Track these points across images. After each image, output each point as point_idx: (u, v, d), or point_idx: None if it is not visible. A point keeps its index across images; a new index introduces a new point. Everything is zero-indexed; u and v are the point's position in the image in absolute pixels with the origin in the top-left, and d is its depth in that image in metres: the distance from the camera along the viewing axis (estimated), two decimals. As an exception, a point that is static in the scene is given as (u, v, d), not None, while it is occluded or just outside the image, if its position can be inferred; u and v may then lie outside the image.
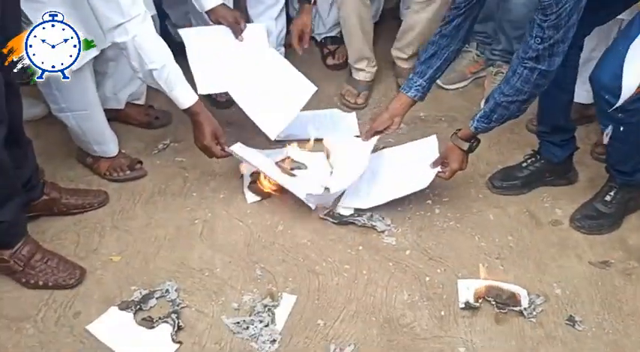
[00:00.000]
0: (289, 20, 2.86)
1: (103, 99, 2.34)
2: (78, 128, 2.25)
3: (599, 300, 1.93)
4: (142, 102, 2.62)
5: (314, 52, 3.04)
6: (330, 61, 3.00)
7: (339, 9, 2.69)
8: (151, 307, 1.89)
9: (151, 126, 2.61)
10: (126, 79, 2.46)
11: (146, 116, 2.61)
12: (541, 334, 1.83)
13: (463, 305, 1.90)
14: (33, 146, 2.06)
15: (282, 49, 2.87)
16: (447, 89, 2.81)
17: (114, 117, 2.49)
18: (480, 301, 1.90)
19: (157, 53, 1.92)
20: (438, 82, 2.52)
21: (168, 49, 1.97)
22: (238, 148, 2.21)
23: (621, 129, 1.95)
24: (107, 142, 2.33)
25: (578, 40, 2.00)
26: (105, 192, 2.27)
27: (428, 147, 2.25)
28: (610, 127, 1.96)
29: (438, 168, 2.14)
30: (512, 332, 1.84)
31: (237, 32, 2.33)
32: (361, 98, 2.75)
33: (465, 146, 2.05)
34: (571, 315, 1.88)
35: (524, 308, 1.88)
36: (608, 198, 2.16)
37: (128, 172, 2.36)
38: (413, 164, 2.24)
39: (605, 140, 2.01)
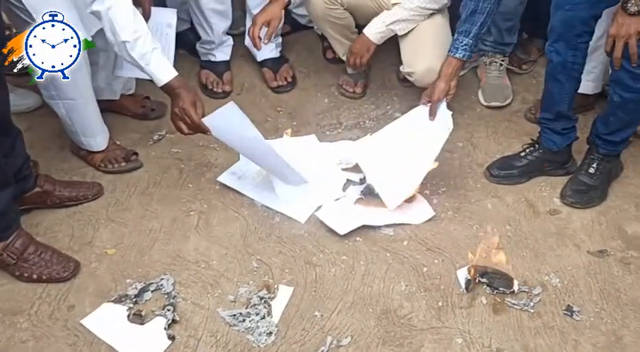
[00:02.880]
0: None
1: (97, 91, 2.31)
2: (67, 118, 2.22)
3: (597, 290, 1.92)
4: (132, 91, 2.60)
5: (315, 43, 3.00)
6: (329, 54, 2.92)
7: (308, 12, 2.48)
8: (146, 300, 1.88)
9: (147, 117, 2.59)
10: (118, 69, 2.43)
11: (141, 107, 2.59)
12: (539, 324, 1.82)
13: (464, 291, 1.90)
14: (23, 136, 2.04)
15: (280, 39, 2.84)
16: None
17: (108, 107, 2.47)
18: (474, 279, 1.91)
19: (130, 26, 1.88)
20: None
21: (145, 25, 1.94)
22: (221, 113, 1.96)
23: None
24: (95, 135, 2.30)
25: (589, 24, 2.01)
26: (99, 184, 2.25)
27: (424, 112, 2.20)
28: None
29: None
30: (510, 323, 1.83)
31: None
32: (359, 87, 2.72)
33: None
34: (569, 305, 1.86)
35: (515, 293, 1.88)
36: (591, 170, 2.20)
37: (123, 164, 2.33)
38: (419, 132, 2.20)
39: None
